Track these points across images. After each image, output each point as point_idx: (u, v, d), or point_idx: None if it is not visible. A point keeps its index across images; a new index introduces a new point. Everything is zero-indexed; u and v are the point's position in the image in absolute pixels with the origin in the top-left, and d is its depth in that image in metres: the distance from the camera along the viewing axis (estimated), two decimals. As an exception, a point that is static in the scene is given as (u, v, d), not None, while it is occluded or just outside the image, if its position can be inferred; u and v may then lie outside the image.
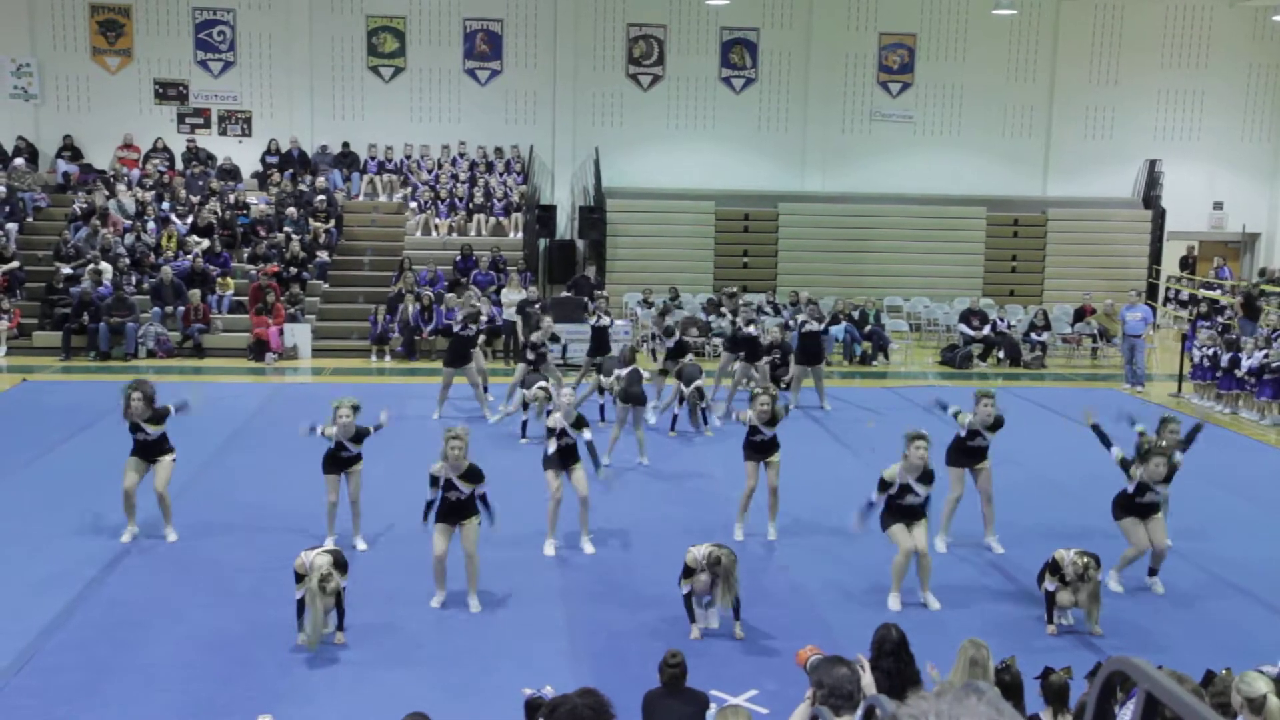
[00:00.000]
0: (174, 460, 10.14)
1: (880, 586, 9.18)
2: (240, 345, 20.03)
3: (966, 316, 21.62)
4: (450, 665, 7.67)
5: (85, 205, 22.12)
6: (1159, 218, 25.84)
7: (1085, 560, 8.19)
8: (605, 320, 16.51)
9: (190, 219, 22.36)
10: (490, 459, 10.21)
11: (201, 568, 9.29)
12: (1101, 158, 26.52)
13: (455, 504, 8.54)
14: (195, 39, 24.75)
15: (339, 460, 9.87)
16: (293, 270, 21.51)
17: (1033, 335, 21.46)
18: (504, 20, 25.30)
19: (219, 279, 21.17)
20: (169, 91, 24.92)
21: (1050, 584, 8.32)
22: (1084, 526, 10.93)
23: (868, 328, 21.18)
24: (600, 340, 16.21)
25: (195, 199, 22.96)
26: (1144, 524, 9.20)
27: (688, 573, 8.00)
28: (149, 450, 10.02)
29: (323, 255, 22.40)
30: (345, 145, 24.96)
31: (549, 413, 10.08)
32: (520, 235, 23.81)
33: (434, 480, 8.56)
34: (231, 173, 24.32)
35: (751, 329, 15.84)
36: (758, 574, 9.31)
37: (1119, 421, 10.73)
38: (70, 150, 24.21)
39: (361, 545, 9.95)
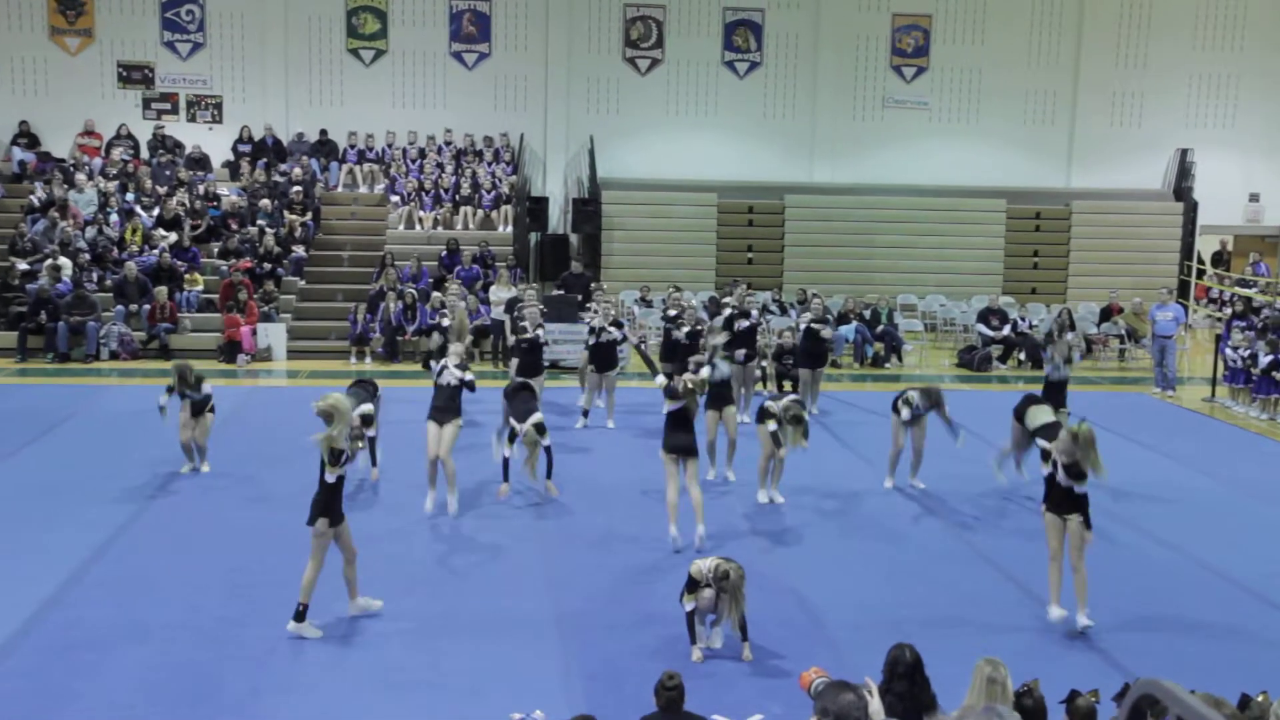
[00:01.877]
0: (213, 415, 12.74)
1: (898, 602, 9.16)
2: (210, 346, 20.00)
3: (985, 316, 21.62)
4: (436, 689, 7.64)
5: (43, 196, 22.09)
6: (1191, 210, 25.84)
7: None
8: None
9: (156, 211, 22.32)
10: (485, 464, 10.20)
11: (167, 585, 9.26)
12: (1129, 146, 26.53)
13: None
14: (161, 18, 24.72)
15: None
16: (267, 266, 21.48)
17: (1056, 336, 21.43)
18: (492, 0, 25.31)
19: (187, 275, 21.12)
20: (133, 75, 24.89)
21: None
22: (1109, 539, 10.93)
23: (879, 328, 21.17)
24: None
25: (162, 190, 22.93)
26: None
27: (692, 587, 7.97)
28: (198, 408, 12.47)
29: (299, 250, 22.37)
30: (323, 133, 24.94)
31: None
32: (510, 229, 23.79)
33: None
34: (201, 162, 24.29)
35: (746, 321, 15.41)
36: (762, 590, 9.28)
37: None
38: (27, 137, 24.17)
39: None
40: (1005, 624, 8.87)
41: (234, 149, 24.63)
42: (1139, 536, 11.10)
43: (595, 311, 15.71)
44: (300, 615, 8.27)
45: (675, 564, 9.50)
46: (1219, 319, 24.10)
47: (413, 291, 20.56)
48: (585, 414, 15.20)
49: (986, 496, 12.30)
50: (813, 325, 16.00)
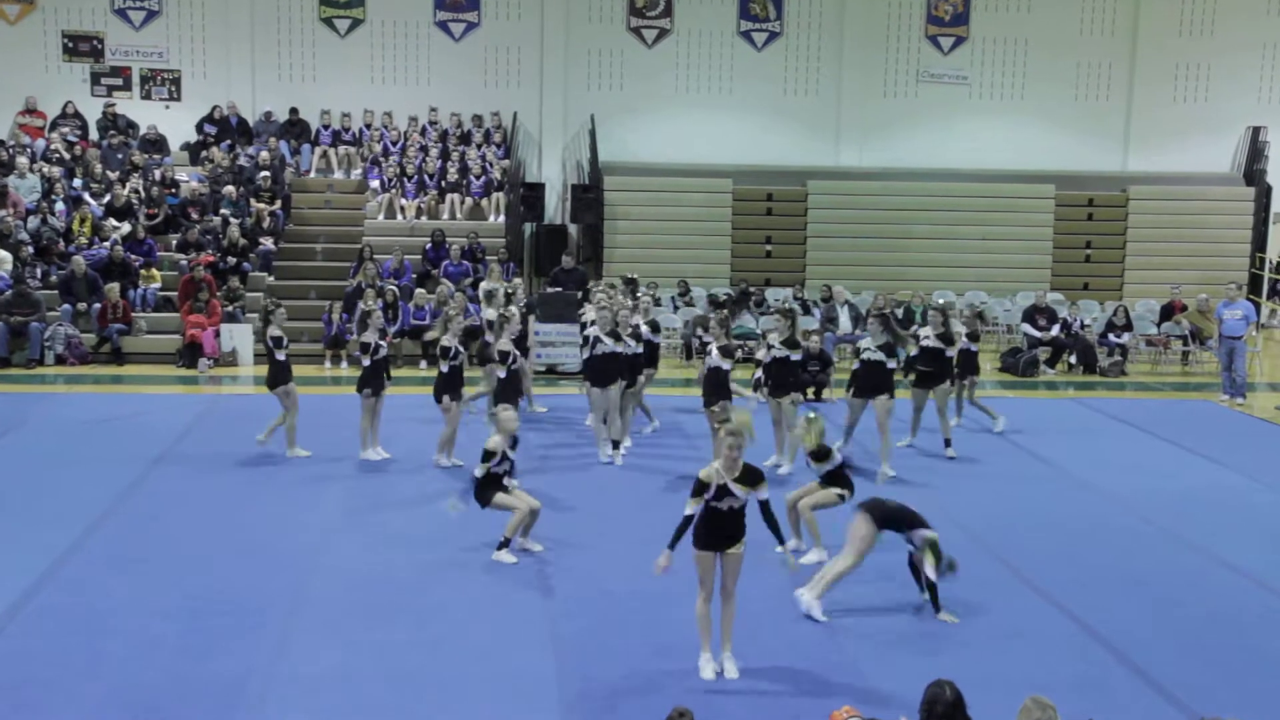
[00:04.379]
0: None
1: (928, 633, 9.16)
2: (168, 349, 20.05)
3: (1032, 314, 21.62)
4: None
5: (-17, 183, 22.19)
6: (1264, 196, 25.83)
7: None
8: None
9: (107, 199, 22.40)
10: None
11: (120, 614, 9.28)
12: (1194, 125, 26.53)
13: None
14: (114, -16, 24.84)
15: None
16: (231, 260, 21.54)
17: (1111, 337, 21.44)
18: (482, -37, 25.42)
19: (142, 270, 21.19)
20: (80, 46, 24.97)
21: None
22: (1170, 562, 10.92)
23: (913, 328, 21.17)
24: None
25: (113, 175, 23.00)
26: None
27: (699, 491, 8.13)
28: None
29: (267, 242, 22.42)
30: (294, 112, 25.00)
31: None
32: (502, 219, 23.82)
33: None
34: (157, 144, 24.36)
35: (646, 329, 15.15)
36: (783, 618, 9.30)
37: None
38: (-36, 118, 24.30)
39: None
40: (1054, 656, 8.87)
41: (199, 128, 24.67)
42: (1203, 559, 11.09)
43: (592, 320, 14.58)
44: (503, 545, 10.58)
45: (683, 591, 9.50)
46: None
47: (394, 289, 20.59)
48: (616, 445, 14.24)
49: (1019, 514, 12.30)
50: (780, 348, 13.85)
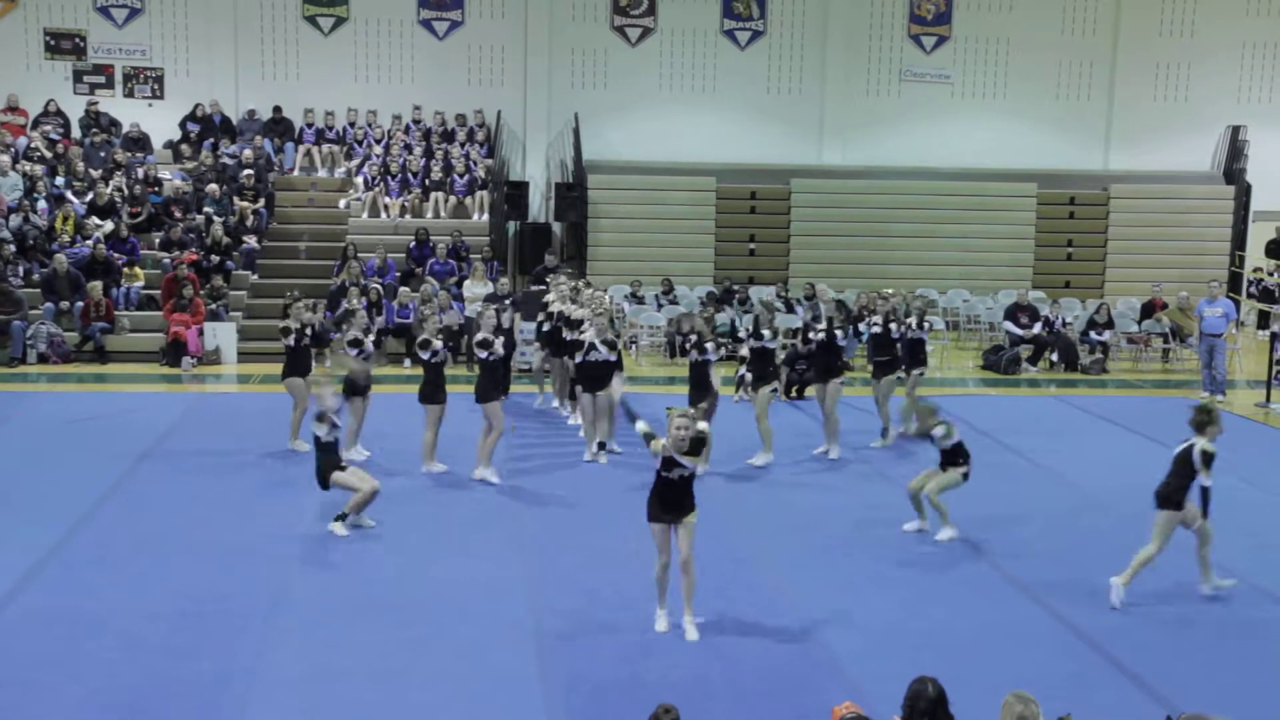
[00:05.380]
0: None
1: (912, 630, 9.19)
2: (151, 348, 19.99)
3: (1013, 313, 21.69)
4: (401, 728, 7.66)
5: (-36, 181, 22.08)
6: (1243, 195, 25.96)
7: None
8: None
9: (90, 197, 22.31)
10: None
11: (103, 615, 9.25)
12: (1174, 124, 26.63)
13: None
14: (96, -18, 24.74)
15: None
16: (214, 259, 21.47)
17: (1092, 334, 21.52)
18: (465, -39, 25.38)
19: (125, 269, 21.11)
20: (63, 44, 24.86)
21: None
22: (1157, 563, 10.97)
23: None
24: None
25: (96, 173, 22.91)
26: None
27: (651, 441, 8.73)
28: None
29: (250, 241, 22.36)
30: (277, 110, 24.92)
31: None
32: (486, 217, 23.80)
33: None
34: (140, 142, 24.26)
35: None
36: (763, 614, 9.33)
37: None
38: (-56, 115, 24.17)
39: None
40: (1039, 654, 8.90)
41: (183, 126, 24.57)
42: (1188, 556, 11.14)
43: (584, 321, 14.35)
44: None
45: (673, 594, 9.51)
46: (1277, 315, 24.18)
47: (378, 287, 20.56)
48: (603, 446, 14.20)
49: (1003, 512, 12.35)
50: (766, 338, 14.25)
